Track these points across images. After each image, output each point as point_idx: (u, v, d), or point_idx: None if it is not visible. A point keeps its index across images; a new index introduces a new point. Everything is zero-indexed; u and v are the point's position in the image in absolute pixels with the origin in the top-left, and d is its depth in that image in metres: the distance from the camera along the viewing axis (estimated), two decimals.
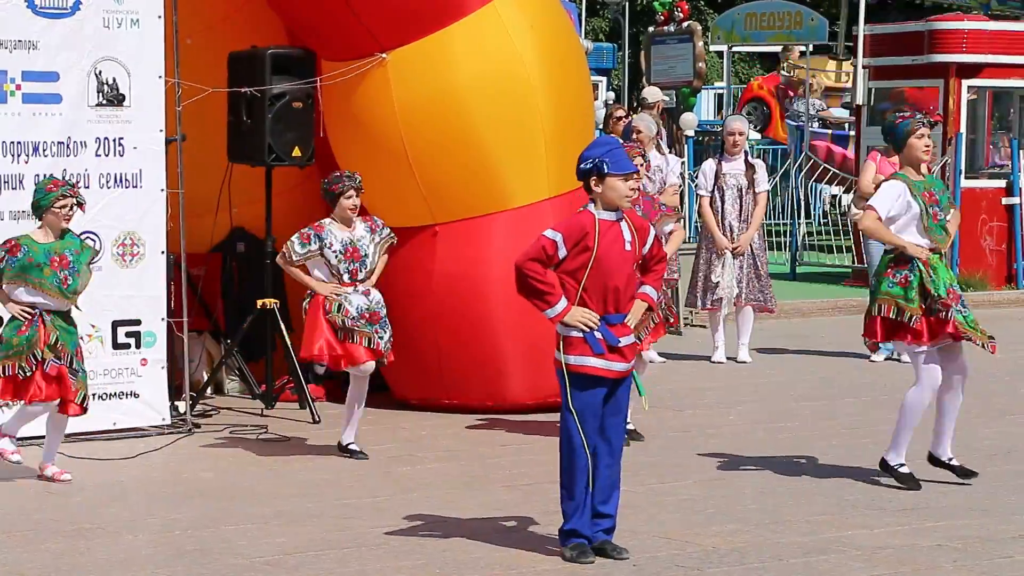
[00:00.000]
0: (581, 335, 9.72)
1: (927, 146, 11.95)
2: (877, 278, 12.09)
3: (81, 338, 12.11)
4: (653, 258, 10.05)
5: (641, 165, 13.36)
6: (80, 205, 12.01)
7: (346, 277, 12.89)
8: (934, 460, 12.21)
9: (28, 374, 11.74)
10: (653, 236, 10.09)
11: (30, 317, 11.84)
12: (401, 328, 14.40)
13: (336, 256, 12.90)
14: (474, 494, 11.74)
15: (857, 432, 12.55)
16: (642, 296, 10.04)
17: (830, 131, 32.16)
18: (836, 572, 9.89)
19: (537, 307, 9.85)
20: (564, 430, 9.83)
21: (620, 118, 20.79)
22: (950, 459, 12.13)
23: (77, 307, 12.04)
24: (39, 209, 11.90)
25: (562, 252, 9.73)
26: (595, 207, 9.82)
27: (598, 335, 9.71)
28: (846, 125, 32.30)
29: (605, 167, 9.75)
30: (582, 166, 9.91)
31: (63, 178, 12.45)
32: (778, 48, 35.53)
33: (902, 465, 11.97)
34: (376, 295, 12.99)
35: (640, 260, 9.97)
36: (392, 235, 13.20)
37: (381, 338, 12.89)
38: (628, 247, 9.86)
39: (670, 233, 14.03)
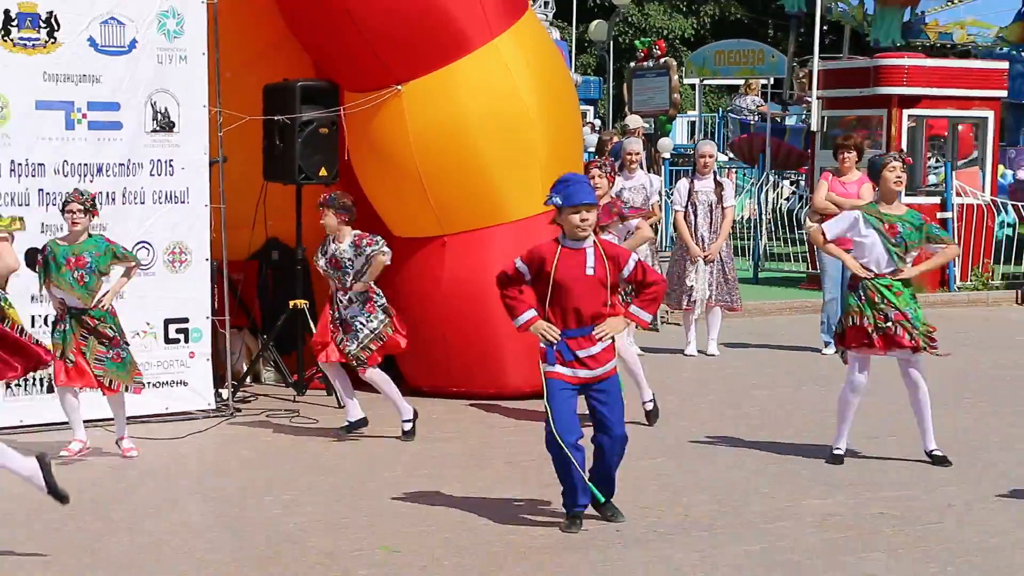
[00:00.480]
0: (544, 346, 9.87)
1: (898, 178, 12.11)
2: (847, 293, 12.27)
3: (108, 335, 12.14)
4: (641, 283, 10.02)
5: (599, 188, 13.49)
6: (88, 212, 12.03)
7: (334, 283, 12.99)
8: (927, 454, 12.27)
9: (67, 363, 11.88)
10: (634, 263, 10.04)
11: (61, 313, 11.98)
12: (414, 325, 14.43)
13: (323, 266, 13.06)
14: (479, 470, 11.83)
15: (811, 417, 12.62)
16: (630, 315, 10.12)
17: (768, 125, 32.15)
18: (792, 536, 10.00)
19: (508, 313, 10.02)
20: (546, 434, 9.94)
21: (608, 140, 20.97)
22: (931, 451, 12.20)
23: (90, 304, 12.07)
24: (62, 215, 12.09)
25: (527, 276, 9.89)
26: (562, 236, 9.92)
27: (555, 348, 9.82)
28: (781, 119, 32.44)
29: (559, 202, 9.86)
30: (545, 202, 10.01)
31: (104, 193, 12.77)
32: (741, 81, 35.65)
33: (837, 449, 12.19)
34: (355, 309, 12.90)
35: (614, 283, 9.96)
36: (381, 250, 12.96)
37: (348, 346, 12.89)
38: (591, 271, 9.86)
39: (636, 228, 14.21)
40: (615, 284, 10.02)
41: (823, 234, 12.33)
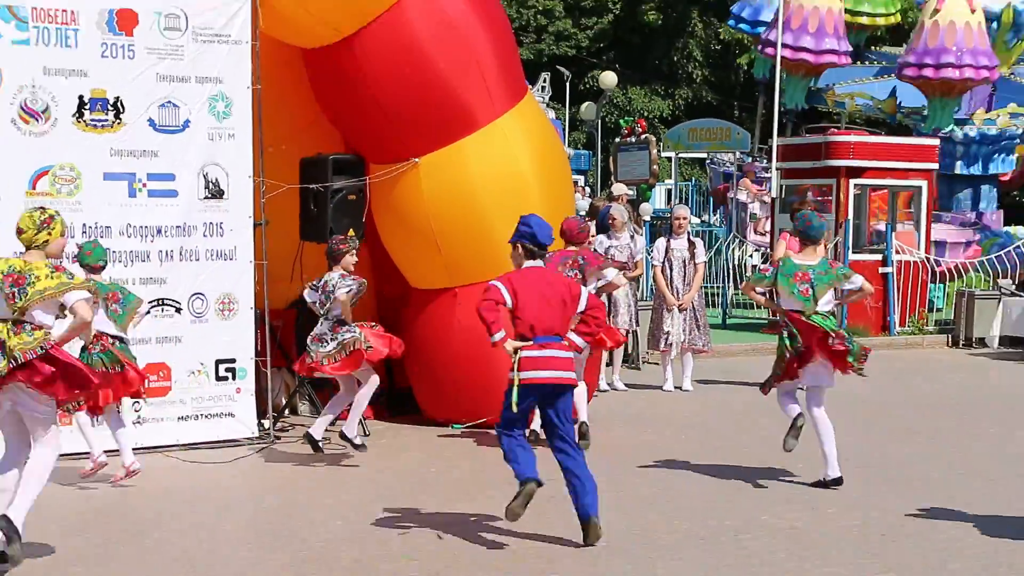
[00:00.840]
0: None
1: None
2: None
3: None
4: (586, 315, 10.12)
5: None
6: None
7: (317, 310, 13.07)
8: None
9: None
10: (588, 297, 10.18)
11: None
12: (428, 365, 14.68)
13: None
14: (487, 488, 11.81)
15: (773, 442, 12.70)
16: (570, 340, 10.09)
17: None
18: (757, 546, 10.11)
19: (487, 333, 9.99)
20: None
21: (599, 206, 21.09)
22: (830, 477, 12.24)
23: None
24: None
25: (509, 303, 9.92)
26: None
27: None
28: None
29: (536, 237, 10.10)
30: (516, 233, 10.21)
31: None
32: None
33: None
34: (324, 327, 12.96)
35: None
36: (354, 289, 13.02)
37: (312, 352, 12.95)
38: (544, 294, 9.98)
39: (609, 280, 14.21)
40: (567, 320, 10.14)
41: (753, 288, 12.74)
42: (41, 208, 9.79)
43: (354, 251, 13.30)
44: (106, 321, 11.68)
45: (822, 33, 28.58)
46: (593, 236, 17.03)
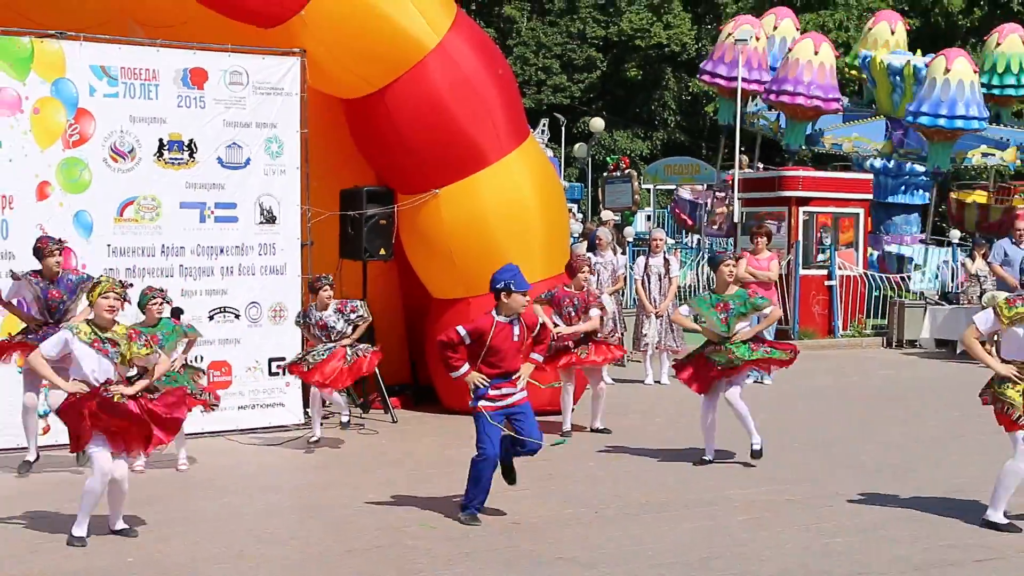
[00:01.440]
0: (476, 389, 9.83)
1: (730, 272, 12.27)
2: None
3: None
4: (537, 337, 10.08)
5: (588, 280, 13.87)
6: (167, 302, 11.54)
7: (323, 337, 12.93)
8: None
9: None
10: (540, 325, 10.16)
11: None
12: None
13: (311, 330, 13.04)
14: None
15: (738, 429, 12.65)
16: (531, 360, 10.10)
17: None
18: (719, 515, 10.09)
19: (447, 369, 9.93)
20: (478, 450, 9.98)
21: (591, 229, 21.06)
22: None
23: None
24: (141, 306, 11.34)
25: (467, 341, 9.77)
26: (497, 313, 9.85)
27: (483, 391, 9.81)
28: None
29: (512, 287, 9.80)
30: (496, 286, 9.87)
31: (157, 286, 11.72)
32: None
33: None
34: (326, 346, 12.85)
35: (531, 341, 10.03)
36: (365, 317, 13.09)
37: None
38: (516, 338, 9.89)
39: (601, 312, 14.09)
40: (529, 345, 10.09)
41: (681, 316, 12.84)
42: (120, 282, 9.49)
43: (329, 287, 13.17)
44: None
45: (814, 83, 28.45)
46: (584, 255, 16.97)
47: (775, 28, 31.21)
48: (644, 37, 50.25)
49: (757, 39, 29.55)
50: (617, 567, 8.61)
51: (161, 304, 11.48)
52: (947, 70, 26.75)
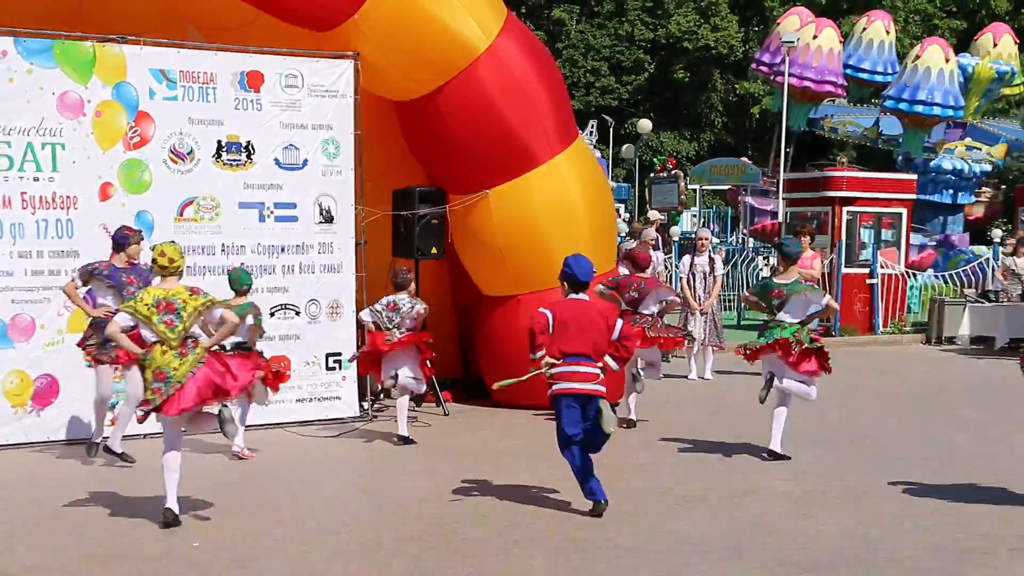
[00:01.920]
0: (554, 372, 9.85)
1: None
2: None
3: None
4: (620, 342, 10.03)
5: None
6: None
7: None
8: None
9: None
10: (619, 328, 10.07)
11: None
12: (496, 357, 14.68)
13: (381, 316, 13.03)
14: (543, 458, 11.72)
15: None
16: (604, 363, 10.03)
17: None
18: (757, 506, 10.19)
19: (530, 350, 9.94)
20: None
21: (639, 228, 21.15)
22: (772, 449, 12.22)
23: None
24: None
25: (552, 322, 9.86)
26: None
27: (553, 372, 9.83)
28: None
29: (577, 276, 10.02)
30: (564, 271, 10.09)
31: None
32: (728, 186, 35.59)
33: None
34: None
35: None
36: (423, 311, 13.12)
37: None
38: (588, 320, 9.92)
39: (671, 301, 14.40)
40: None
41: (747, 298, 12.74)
42: (172, 241, 9.82)
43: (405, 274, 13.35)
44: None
45: (823, 67, 28.53)
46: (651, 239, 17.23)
47: (814, 37, 31.23)
48: (692, 39, 50.17)
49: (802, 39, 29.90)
50: (660, 554, 8.74)
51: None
52: (917, 56, 27.06)
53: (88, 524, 9.55)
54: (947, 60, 28.45)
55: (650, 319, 13.90)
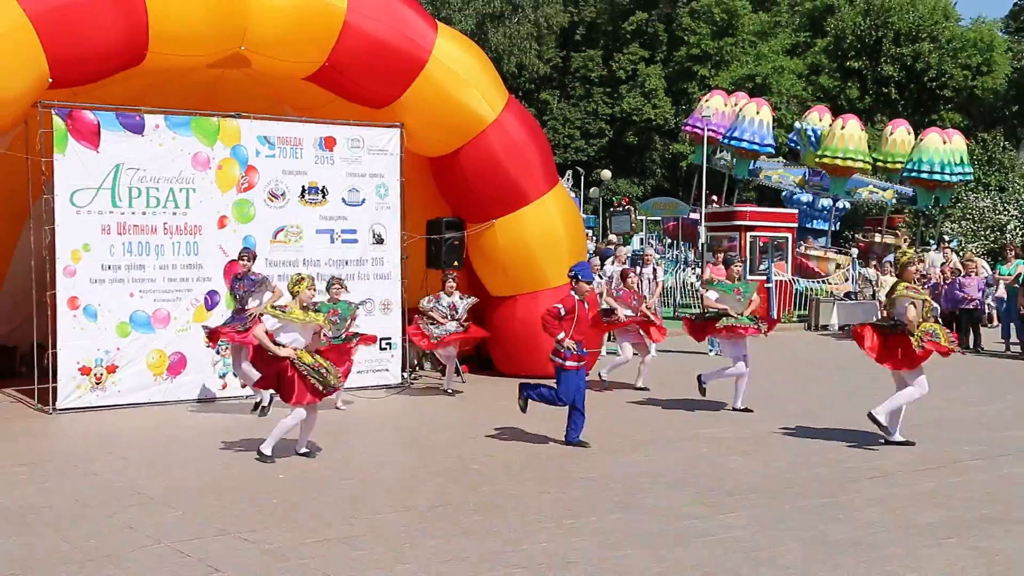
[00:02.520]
0: (568, 352, 9.79)
1: (738, 272, 12.28)
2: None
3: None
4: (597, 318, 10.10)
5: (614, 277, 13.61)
6: (344, 288, 11.31)
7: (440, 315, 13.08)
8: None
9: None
10: (601, 311, 10.15)
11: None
12: (500, 340, 14.54)
13: (439, 312, 13.09)
14: (539, 416, 11.32)
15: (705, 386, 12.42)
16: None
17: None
18: (696, 448, 10.01)
19: (549, 334, 9.88)
20: (559, 398, 9.98)
21: (600, 248, 20.92)
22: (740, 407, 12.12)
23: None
24: (327, 289, 11.41)
25: (563, 313, 9.78)
26: (575, 294, 9.91)
27: (572, 352, 9.80)
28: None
29: (580, 276, 9.90)
30: (571, 273, 10.01)
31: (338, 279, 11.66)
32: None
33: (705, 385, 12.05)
34: (451, 326, 13.08)
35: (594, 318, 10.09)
36: (472, 301, 13.32)
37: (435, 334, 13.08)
38: (588, 313, 9.97)
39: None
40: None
41: (710, 298, 12.39)
42: (298, 273, 9.44)
43: (452, 280, 13.43)
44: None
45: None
46: (598, 266, 16.94)
47: (736, 104, 31.06)
48: (638, 114, 50.30)
49: (723, 107, 29.94)
50: (622, 483, 8.57)
51: (339, 289, 11.45)
52: (843, 127, 27.46)
53: (208, 461, 9.39)
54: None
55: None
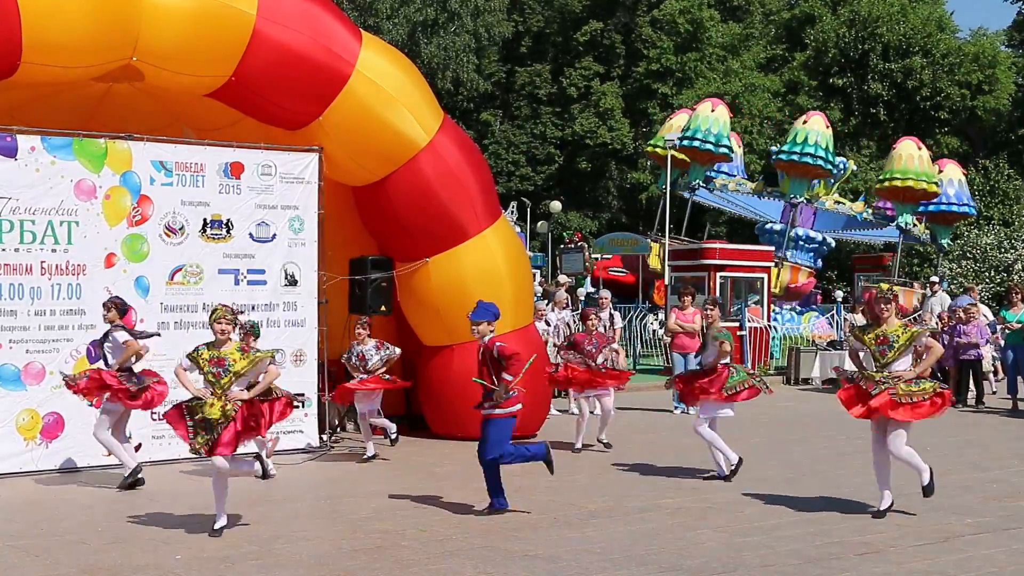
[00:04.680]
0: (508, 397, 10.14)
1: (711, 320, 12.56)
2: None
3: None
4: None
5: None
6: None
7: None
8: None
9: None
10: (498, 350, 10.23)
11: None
12: (434, 397, 14.60)
13: (352, 361, 13.30)
14: (472, 481, 11.27)
15: (666, 445, 12.53)
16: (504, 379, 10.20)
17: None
18: (654, 520, 10.05)
19: (514, 376, 10.12)
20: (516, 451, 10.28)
21: (549, 290, 21.04)
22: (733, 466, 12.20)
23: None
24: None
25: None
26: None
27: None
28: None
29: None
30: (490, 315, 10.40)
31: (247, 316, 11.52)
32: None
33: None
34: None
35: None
36: (395, 352, 13.33)
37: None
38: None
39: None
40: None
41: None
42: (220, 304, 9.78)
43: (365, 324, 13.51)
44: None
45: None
46: (543, 310, 17.11)
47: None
48: (592, 137, 50.53)
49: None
50: (572, 561, 8.60)
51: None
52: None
53: (91, 539, 9.27)
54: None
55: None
